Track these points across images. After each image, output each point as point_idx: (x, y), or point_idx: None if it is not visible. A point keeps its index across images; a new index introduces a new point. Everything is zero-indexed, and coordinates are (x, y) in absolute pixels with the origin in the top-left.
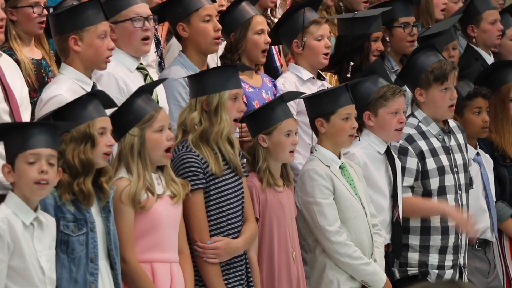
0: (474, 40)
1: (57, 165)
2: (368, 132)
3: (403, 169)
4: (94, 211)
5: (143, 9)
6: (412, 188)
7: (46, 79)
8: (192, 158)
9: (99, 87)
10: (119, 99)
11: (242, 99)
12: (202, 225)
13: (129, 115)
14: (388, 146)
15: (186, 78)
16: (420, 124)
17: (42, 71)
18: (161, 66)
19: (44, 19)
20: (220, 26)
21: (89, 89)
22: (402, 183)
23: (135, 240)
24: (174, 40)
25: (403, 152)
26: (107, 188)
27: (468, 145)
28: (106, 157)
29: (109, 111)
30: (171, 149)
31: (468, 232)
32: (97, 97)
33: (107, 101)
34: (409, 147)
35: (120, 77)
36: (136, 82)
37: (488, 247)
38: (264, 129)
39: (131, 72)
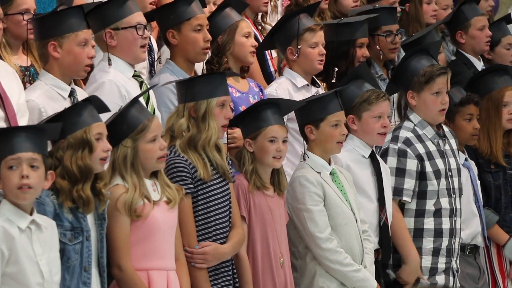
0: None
1: (46, 169)
2: (352, 136)
3: (403, 171)
4: (90, 219)
5: (142, 17)
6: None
7: None
8: (180, 163)
9: (99, 94)
10: (121, 107)
11: (230, 105)
12: (190, 230)
13: (122, 126)
14: (372, 150)
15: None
16: (415, 127)
17: (30, 78)
18: (151, 73)
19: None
20: (210, 37)
21: (66, 95)
22: (403, 185)
23: (132, 247)
24: (164, 47)
25: (402, 154)
26: (105, 194)
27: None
28: (103, 162)
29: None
30: (164, 158)
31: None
32: (91, 103)
33: (100, 107)
34: (408, 150)
35: (122, 84)
36: (134, 89)
37: (477, 253)
38: (250, 133)
39: (128, 79)
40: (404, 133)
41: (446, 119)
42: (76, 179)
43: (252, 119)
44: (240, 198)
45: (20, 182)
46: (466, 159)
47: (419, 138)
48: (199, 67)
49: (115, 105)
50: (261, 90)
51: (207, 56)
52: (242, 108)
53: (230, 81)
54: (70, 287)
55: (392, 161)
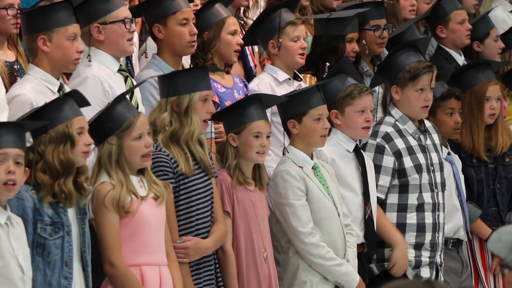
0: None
1: (25, 165)
2: (336, 130)
3: (379, 167)
4: (71, 214)
5: (128, 11)
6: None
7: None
8: (161, 157)
9: (82, 90)
10: (104, 102)
11: (214, 99)
12: (172, 225)
13: (108, 123)
14: (356, 144)
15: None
16: (396, 122)
17: (16, 73)
18: (127, 66)
19: (19, 20)
20: (196, 31)
21: (55, 90)
22: (378, 181)
23: (122, 243)
24: (149, 42)
25: (380, 150)
26: (86, 188)
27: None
28: (86, 155)
29: (93, 114)
30: (149, 155)
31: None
32: (72, 97)
33: (81, 101)
34: (386, 146)
35: (105, 79)
36: (118, 84)
37: (460, 247)
38: (234, 128)
39: (113, 74)
40: (384, 128)
41: (428, 114)
42: (58, 174)
43: (236, 114)
44: (224, 194)
45: (6, 178)
46: (448, 153)
47: (400, 132)
48: (188, 62)
49: (98, 100)
50: (246, 86)
51: (194, 49)
52: (227, 103)
53: (215, 76)
54: (52, 282)
55: (369, 156)
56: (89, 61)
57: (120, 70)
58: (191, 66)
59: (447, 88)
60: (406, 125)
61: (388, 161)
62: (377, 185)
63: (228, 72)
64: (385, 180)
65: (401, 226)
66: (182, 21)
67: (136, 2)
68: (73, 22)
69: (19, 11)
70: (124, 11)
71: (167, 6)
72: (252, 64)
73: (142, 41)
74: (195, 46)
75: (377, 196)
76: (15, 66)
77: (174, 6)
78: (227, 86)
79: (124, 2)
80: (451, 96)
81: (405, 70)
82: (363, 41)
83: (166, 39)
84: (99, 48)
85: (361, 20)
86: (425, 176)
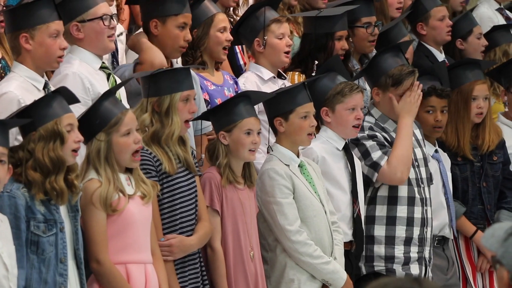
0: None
1: (8, 163)
2: (326, 128)
3: (379, 144)
4: (63, 211)
5: (108, 7)
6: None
7: None
8: (144, 155)
9: (62, 86)
10: (85, 99)
11: (204, 97)
12: (156, 223)
13: (95, 120)
14: (346, 142)
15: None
16: (377, 121)
17: (1, 71)
18: (113, 64)
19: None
20: (190, 38)
21: (41, 87)
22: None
23: (109, 241)
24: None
25: (372, 137)
26: (77, 185)
27: (427, 142)
28: (75, 154)
29: (74, 112)
30: (138, 152)
31: None
32: (61, 94)
33: (70, 98)
34: (377, 133)
35: (85, 77)
36: (100, 81)
37: (446, 244)
38: (225, 126)
39: (95, 71)
40: (367, 124)
41: None
42: (48, 171)
43: (226, 112)
44: (213, 192)
45: None
46: (436, 151)
47: (383, 129)
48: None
49: (78, 97)
50: (236, 83)
51: (180, 55)
52: (217, 100)
53: (204, 74)
54: (47, 279)
55: (368, 143)
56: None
57: (102, 68)
58: (172, 65)
59: (428, 86)
60: (387, 124)
61: (382, 141)
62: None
63: (218, 69)
64: (385, 149)
65: (391, 219)
66: (181, 25)
67: (123, 2)
68: (55, 19)
69: (4, 8)
70: (102, 8)
71: (171, 6)
72: (241, 62)
73: (130, 33)
74: (183, 52)
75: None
76: (2, 63)
77: (178, 8)
78: (216, 83)
79: None
80: (432, 94)
81: (387, 74)
82: (350, 39)
83: (160, 37)
84: (80, 46)
85: (353, 17)
86: (411, 171)
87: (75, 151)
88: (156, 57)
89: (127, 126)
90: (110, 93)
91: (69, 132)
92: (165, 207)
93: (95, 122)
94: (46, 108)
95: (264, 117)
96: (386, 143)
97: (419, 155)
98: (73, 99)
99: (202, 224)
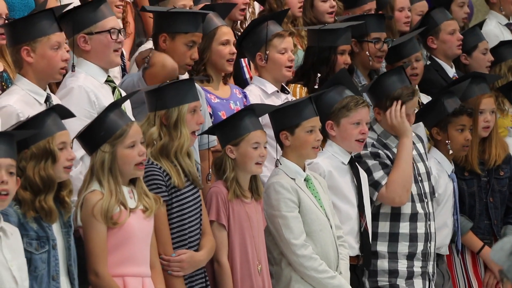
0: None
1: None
2: (331, 142)
3: (380, 163)
4: (55, 228)
5: (116, 21)
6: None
7: None
8: (154, 171)
9: (68, 100)
10: (90, 112)
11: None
12: (166, 238)
13: (101, 131)
14: (351, 156)
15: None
16: (379, 137)
17: (3, 83)
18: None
19: None
20: (197, 56)
21: (42, 101)
22: (381, 179)
23: (108, 254)
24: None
25: (375, 155)
26: (69, 202)
27: (446, 161)
28: (67, 170)
29: (80, 125)
30: (142, 163)
31: None
32: (55, 111)
33: (65, 113)
34: (379, 151)
35: (91, 90)
36: (105, 94)
37: (440, 260)
38: (232, 139)
39: (100, 84)
40: (370, 140)
41: (438, 129)
42: (38, 190)
43: (233, 126)
44: (220, 206)
45: (0, 188)
46: (452, 171)
47: (385, 146)
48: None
49: (84, 111)
50: (245, 97)
51: (185, 72)
52: (221, 113)
53: (208, 87)
54: None
55: (370, 162)
56: (72, 71)
57: (108, 81)
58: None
59: (459, 104)
60: (389, 140)
61: (385, 159)
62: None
63: (226, 83)
64: (388, 169)
65: (394, 236)
66: (190, 43)
67: (129, 12)
68: (55, 31)
69: (6, 21)
70: (111, 21)
71: (183, 24)
72: (247, 76)
73: (139, 45)
74: (188, 69)
75: (383, 183)
76: (3, 76)
77: (188, 27)
78: (222, 97)
79: (111, 12)
80: (463, 113)
81: (388, 96)
82: (366, 52)
83: (167, 52)
84: (86, 59)
85: (362, 32)
86: (413, 186)
87: (67, 167)
88: (167, 58)
89: (132, 138)
90: (115, 105)
91: (62, 150)
92: (174, 221)
93: (100, 133)
94: (39, 126)
95: (269, 131)
96: (388, 161)
97: (422, 169)
98: (68, 114)
99: (207, 239)
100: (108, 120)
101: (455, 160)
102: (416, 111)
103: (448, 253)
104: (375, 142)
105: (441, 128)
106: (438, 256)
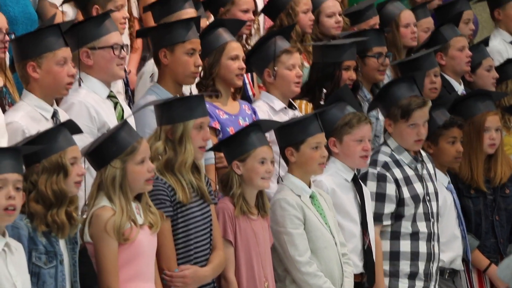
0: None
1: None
2: (335, 159)
3: (383, 196)
4: (61, 243)
5: (120, 37)
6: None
7: (7, 106)
8: (159, 186)
9: (68, 115)
10: (90, 128)
11: (214, 126)
12: (170, 254)
13: (112, 147)
14: (355, 173)
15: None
16: (393, 152)
17: (3, 98)
18: (127, 93)
19: (6, 44)
20: (200, 63)
21: (49, 116)
22: (384, 210)
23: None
24: (146, 67)
25: (382, 178)
26: (76, 218)
27: (441, 173)
28: (78, 185)
29: (79, 140)
30: (151, 179)
31: None
32: (66, 126)
33: (75, 129)
34: (387, 174)
35: (92, 106)
36: (107, 110)
37: (456, 276)
38: (238, 155)
39: (102, 99)
40: (382, 157)
41: (429, 142)
42: (50, 204)
43: (239, 142)
44: (226, 222)
45: (7, 203)
46: (449, 182)
47: (397, 163)
48: (186, 89)
49: (84, 126)
50: (255, 112)
51: (196, 80)
52: (230, 129)
53: (217, 103)
54: None
55: (372, 185)
56: (79, 85)
57: (110, 96)
58: (191, 91)
59: (449, 117)
60: (402, 155)
61: (391, 188)
62: (383, 215)
63: (235, 99)
64: (390, 208)
65: (395, 255)
66: (190, 51)
67: (136, 27)
68: (61, 46)
69: (6, 35)
70: (114, 37)
71: (178, 33)
72: (250, 93)
73: (144, 61)
74: (197, 77)
75: (385, 224)
76: (3, 91)
77: (183, 35)
78: (230, 112)
79: (115, 27)
80: (454, 125)
81: (397, 105)
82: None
83: (171, 66)
84: (89, 74)
85: (363, 47)
86: (421, 206)
87: (78, 183)
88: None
89: (142, 155)
90: (126, 123)
91: (73, 164)
92: (179, 237)
93: (112, 149)
94: (51, 141)
95: (275, 148)
96: (394, 194)
97: (431, 189)
98: (77, 130)
99: (217, 254)
100: (120, 137)
101: (462, 178)
102: None
103: (463, 268)
104: (387, 162)
105: (432, 141)
106: (454, 273)
